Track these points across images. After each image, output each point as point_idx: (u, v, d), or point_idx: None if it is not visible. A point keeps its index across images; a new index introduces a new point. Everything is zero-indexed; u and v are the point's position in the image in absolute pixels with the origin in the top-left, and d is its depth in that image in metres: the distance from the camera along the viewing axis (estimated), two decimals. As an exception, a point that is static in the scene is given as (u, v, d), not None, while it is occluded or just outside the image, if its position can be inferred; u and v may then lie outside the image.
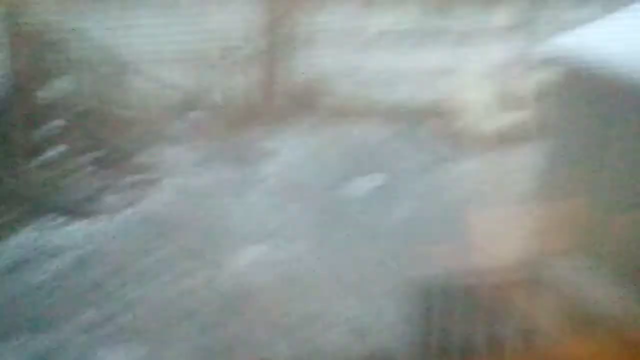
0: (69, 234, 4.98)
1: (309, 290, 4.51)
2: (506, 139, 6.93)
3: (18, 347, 4.00)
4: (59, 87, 5.69)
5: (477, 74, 7.29)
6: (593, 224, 3.06)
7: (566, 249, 2.99)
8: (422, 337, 3.25)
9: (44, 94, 5.47)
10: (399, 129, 7.16)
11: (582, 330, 2.40)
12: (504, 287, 2.72)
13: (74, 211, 5.18)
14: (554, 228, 3.24)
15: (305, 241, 5.04)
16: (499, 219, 4.30)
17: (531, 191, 4.31)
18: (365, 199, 5.79)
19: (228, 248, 4.91)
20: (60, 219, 5.10)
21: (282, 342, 4.05)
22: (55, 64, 5.78)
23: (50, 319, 4.17)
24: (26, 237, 4.97)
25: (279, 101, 7.07)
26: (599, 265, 2.78)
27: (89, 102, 5.88)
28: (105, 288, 4.48)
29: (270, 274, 4.66)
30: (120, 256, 4.79)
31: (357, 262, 4.79)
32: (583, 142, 3.51)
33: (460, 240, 3.91)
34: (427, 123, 7.30)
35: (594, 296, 2.48)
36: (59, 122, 5.57)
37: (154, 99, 6.18)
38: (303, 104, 7.12)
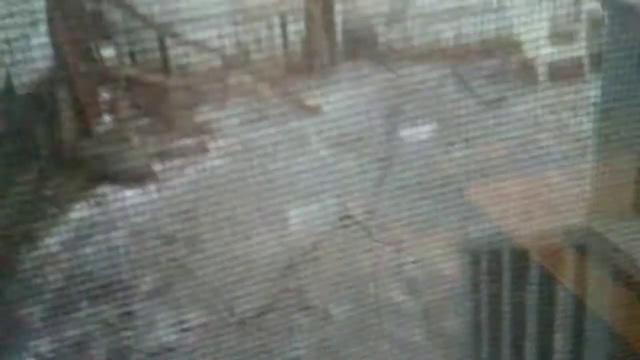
0: (123, 204, 5.11)
1: (361, 246, 4.53)
2: (558, 77, 6.65)
3: (80, 318, 4.19)
4: (102, 56, 5.73)
5: (527, 9, 6.92)
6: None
7: (621, 210, 2.84)
8: (471, 297, 3.24)
9: (86, 67, 5.52)
10: (449, 72, 6.93)
11: (633, 298, 2.31)
12: (556, 250, 2.64)
13: (126, 180, 5.29)
14: (608, 186, 3.08)
15: (357, 196, 5.03)
16: (548, 175, 4.15)
17: (585, 138, 4.11)
18: (418, 149, 5.69)
19: (280, 207, 4.94)
20: (113, 189, 5.23)
21: (337, 299, 4.12)
22: (97, 34, 5.80)
23: (109, 289, 4.32)
24: (81, 209, 5.11)
25: (324, 54, 6.93)
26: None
27: (133, 70, 5.91)
28: (163, 255, 4.63)
29: (323, 231, 4.69)
30: (174, 222, 4.89)
31: (410, 217, 4.76)
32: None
33: (511, 196, 3.81)
34: (478, 64, 7.04)
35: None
36: (104, 92, 5.64)
37: (197, 62, 6.16)
38: (349, 54, 6.95)
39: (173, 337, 4.04)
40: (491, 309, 3.00)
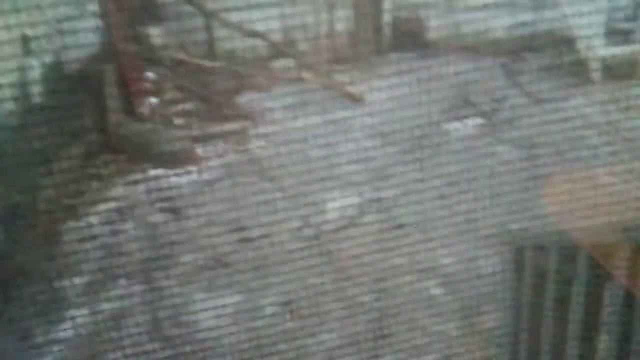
0: (165, 184, 5.16)
1: (401, 238, 4.47)
2: (612, 76, 6.43)
3: (116, 296, 4.26)
4: (150, 39, 5.80)
5: (582, 5, 6.71)
6: None
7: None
8: (512, 293, 3.15)
9: (134, 48, 5.60)
10: (498, 66, 6.79)
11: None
12: (606, 248, 2.53)
13: (169, 162, 5.35)
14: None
15: (398, 188, 4.97)
16: (604, 170, 4.01)
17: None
18: (462, 144, 5.58)
19: (319, 197, 4.92)
20: (156, 170, 5.29)
21: (371, 290, 4.08)
22: (147, 16, 5.88)
23: (146, 268, 4.40)
24: (122, 189, 5.19)
25: (371, 43, 6.86)
26: None
27: (178, 54, 5.96)
28: (201, 237, 4.66)
29: (362, 222, 4.65)
30: (214, 205, 4.92)
31: (450, 210, 4.67)
32: None
33: (560, 192, 3.69)
34: (530, 59, 6.86)
35: None
36: (150, 75, 5.71)
37: (243, 48, 6.18)
38: (396, 44, 6.87)
39: (209, 320, 4.06)
40: (535, 303, 2.90)
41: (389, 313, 3.92)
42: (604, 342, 2.56)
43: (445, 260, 4.23)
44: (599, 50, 6.76)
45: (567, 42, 6.87)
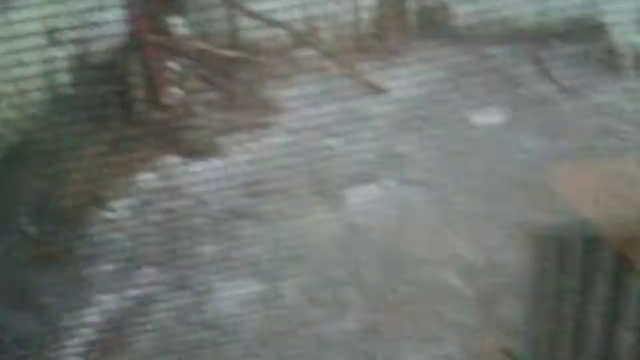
0: (187, 175, 5.22)
1: (420, 229, 4.45)
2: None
3: (146, 278, 4.34)
4: (171, 30, 5.84)
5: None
6: None
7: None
8: (534, 284, 3.12)
9: (158, 39, 5.65)
10: (525, 54, 6.65)
11: None
12: (631, 240, 2.48)
13: (193, 151, 5.40)
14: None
15: (419, 179, 4.93)
16: (633, 161, 3.91)
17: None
18: (486, 134, 5.50)
19: (339, 188, 4.92)
20: (180, 159, 5.35)
21: (391, 282, 4.07)
22: (171, 6, 5.92)
23: (169, 256, 4.46)
24: (147, 178, 5.24)
25: (395, 33, 6.78)
26: None
27: (201, 44, 5.99)
28: (223, 227, 4.71)
29: (380, 214, 4.63)
30: (236, 196, 4.96)
31: (472, 203, 4.63)
32: None
33: (587, 184, 3.62)
34: (556, 47, 6.71)
35: None
36: (176, 66, 5.75)
37: (265, 39, 6.19)
38: (418, 31, 6.78)
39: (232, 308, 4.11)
40: (557, 296, 2.86)
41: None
42: (626, 336, 2.52)
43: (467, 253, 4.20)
44: (632, 37, 6.58)
45: (598, 30, 6.69)
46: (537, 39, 6.78)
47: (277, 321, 3.94)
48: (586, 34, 6.71)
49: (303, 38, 6.20)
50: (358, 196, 4.86)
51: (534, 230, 3.23)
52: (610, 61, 6.48)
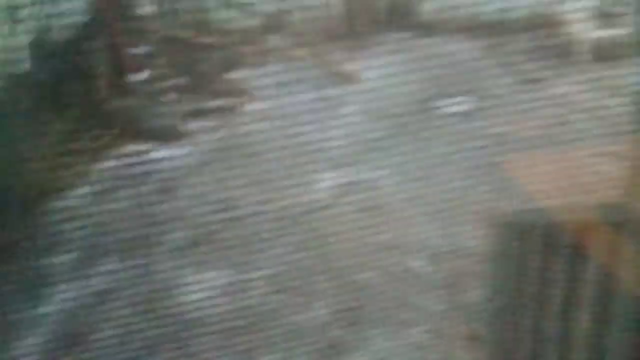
0: (154, 161, 5.12)
1: (387, 216, 4.49)
2: (600, 59, 6.47)
3: (105, 272, 4.25)
4: (140, 14, 5.71)
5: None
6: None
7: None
8: (497, 268, 3.20)
9: (124, 23, 5.51)
10: (488, 47, 6.77)
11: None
12: (586, 227, 2.57)
13: (158, 137, 5.31)
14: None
15: (387, 166, 4.98)
16: (587, 151, 4.04)
17: (623, 120, 4.01)
18: (451, 122, 5.60)
19: (308, 174, 4.92)
20: (145, 146, 5.25)
21: (361, 267, 4.10)
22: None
23: (135, 244, 4.36)
24: (113, 164, 5.14)
25: (362, 22, 6.80)
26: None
27: (170, 28, 5.88)
28: (191, 213, 4.65)
29: (349, 200, 4.65)
30: (204, 182, 4.89)
31: (438, 189, 4.70)
32: None
33: (545, 172, 3.74)
34: (518, 40, 6.86)
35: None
36: (141, 49, 5.63)
37: (234, 23, 6.10)
38: (387, 23, 6.82)
39: (196, 294, 4.06)
40: (518, 280, 2.94)
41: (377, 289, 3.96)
42: (583, 317, 2.60)
43: (434, 238, 4.26)
44: (588, 32, 6.78)
45: (557, 24, 6.87)
46: (501, 32, 6.91)
47: (245, 311, 3.91)
48: (546, 28, 6.88)
49: (274, 25, 6.16)
50: (328, 182, 4.87)
51: (496, 216, 3.30)
52: (568, 54, 6.68)
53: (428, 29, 6.75)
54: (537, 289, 2.84)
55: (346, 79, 6.01)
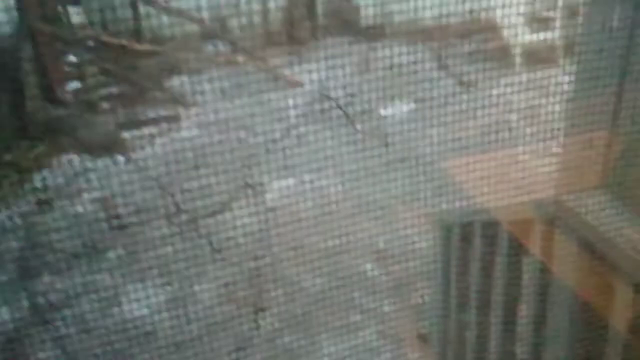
0: (90, 172, 4.99)
1: (334, 220, 4.50)
2: (534, 61, 6.72)
3: (44, 287, 4.10)
4: (71, 21, 5.54)
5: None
6: (618, 157, 2.96)
7: (589, 184, 2.91)
8: (442, 268, 3.27)
9: (54, 29, 5.33)
10: (427, 51, 6.92)
11: (598, 269, 2.35)
12: (522, 224, 2.66)
13: (94, 148, 5.16)
14: (577, 162, 3.14)
15: (333, 171, 4.99)
16: (522, 151, 4.17)
17: (556, 120, 4.18)
18: (392, 126, 5.68)
19: (254, 183, 4.89)
20: (79, 158, 5.10)
21: (310, 273, 4.09)
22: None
23: (73, 259, 4.24)
24: (46, 177, 4.97)
25: (304, 28, 6.83)
26: (623, 202, 2.70)
27: (103, 35, 5.73)
28: (130, 226, 4.54)
29: (296, 206, 4.64)
30: (142, 193, 4.79)
31: (383, 191, 4.75)
32: (609, 67, 3.33)
33: (483, 172, 3.84)
34: (455, 45, 7.05)
35: (614, 234, 2.42)
36: (74, 58, 5.47)
37: (171, 30, 6.01)
38: (328, 28, 6.87)
39: (139, 309, 3.96)
40: (461, 279, 3.01)
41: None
42: (524, 311, 2.68)
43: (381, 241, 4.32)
44: (523, 36, 7.03)
45: (494, 29, 7.09)
46: (439, 37, 7.08)
47: (191, 323, 3.84)
48: (483, 33, 7.10)
49: (213, 31, 6.10)
50: (273, 189, 4.85)
51: (440, 217, 3.37)
52: (504, 57, 6.91)
53: (368, 34, 6.84)
54: (480, 286, 2.92)
55: (287, 83, 6.01)
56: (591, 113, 3.47)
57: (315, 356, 3.61)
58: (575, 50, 4.00)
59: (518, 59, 7.00)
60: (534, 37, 7.08)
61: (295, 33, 6.67)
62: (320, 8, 6.92)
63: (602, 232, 2.52)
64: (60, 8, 5.44)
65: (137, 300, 3.94)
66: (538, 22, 7.22)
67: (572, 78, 3.97)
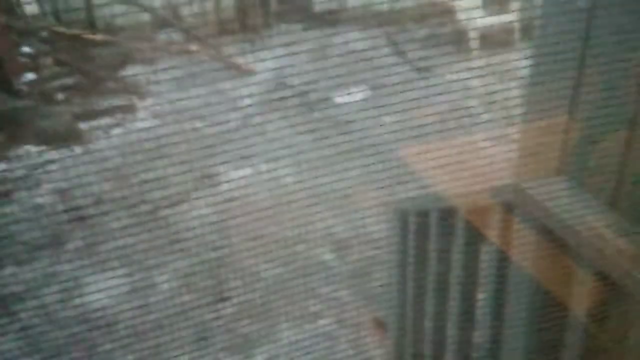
0: (48, 164, 4.90)
1: (292, 210, 4.53)
2: (491, 45, 6.80)
3: (6, 279, 4.05)
4: (23, 13, 5.39)
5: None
6: (575, 144, 3.01)
7: (548, 171, 2.97)
8: (400, 256, 3.31)
9: (8, 20, 5.18)
10: (383, 37, 6.94)
11: (558, 257, 2.43)
12: (479, 211, 2.71)
13: (50, 139, 5.07)
14: (536, 148, 3.21)
15: (289, 160, 5.01)
16: (479, 137, 4.24)
17: (514, 106, 4.27)
18: (346, 113, 5.71)
19: (211, 174, 4.88)
20: (36, 149, 5.00)
21: (269, 263, 4.12)
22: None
23: (33, 252, 4.18)
24: (4, 169, 4.87)
25: (254, 14, 6.78)
26: (583, 188, 2.75)
27: (56, 26, 5.60)
28: (88, 217, 4.49)
29: (253, 195, 4.65)
30: (101, 184, 4.74)
31: (339, 179, 4.79)
32: (568, 50, 3.36)
33: (440, 159, 3.90)
34: (410, 30, 7.09)
35: (571, 220, 2.47)
36: (27, 49, 5.33)
37: (125, 19, 5.90)
38: (280, 15, 6.84)
39: (100, 299, 3.94)
40: (419, 266, 3.06)
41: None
42: (482, 299, 2.75)
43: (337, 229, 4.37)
44: (479, 20, 7.09)
45: (449, 13, 7.14)
46: (393, 22, 7.11)
47: (151, 312, 3.84)
48: (438, 17, 7.15)
49: (165, 20, 6.00)
50: (229, 179, 4.84)
51: (395, 204, 3.40)
52: (459, 41, 6.98)
53: (321, 20, 6.83)
54: (437, 273, 2.97)
55: (240, 71, 5.98)
56: (550, 98, 3.53)
57: (276, 345, 3.66)
58: (533, 33, 4.08)
59: (475, 43, 7.08)
60: (491, 20, 7.15)
61: (249, 20, 6.62)
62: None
63: (562, 219, 2.59)
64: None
65: (99, 290, 3.91)
66: (495, 4, 7.29)
67: (531, 62, 4.06)
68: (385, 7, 7.16)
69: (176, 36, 6.07)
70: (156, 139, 5.08)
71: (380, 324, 3.56)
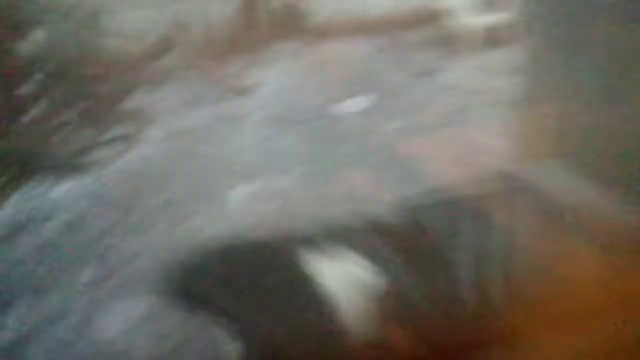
0: (60, 194, 4.93)
1: (301, 223, 4.51)
2: (488, 44, 6.80)
3: (21, 313, 4.05)
4: (34, 39, 5.47)
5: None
6: (572, 129, 3.04)
7: (545, 155, 2.99)
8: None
9: (19, 48, 5.25)
10: (381, 44, 6.96)
11: (557, 236, 2.41)
12: (486, 197, 2.73)
13: (63, 170, 5.11)
14: (533, 134, 3.23)
15: (297, 173, 5.00)
16: (481, 131, 4.25)
17: (514, 97, 4.27)
18: (352, 122, 5.72)
19: (220, 190, 4.88)
20: (50, 180, 5.03)
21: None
22: (29, 14, 5.53)
23: (50, 282, 4.20)
24: (17, 202, 4.92)
25: (258, 29, 6.84)
26: (578, 171, 2.78)
27: (66, 53, 5.68)
28: (103, 244, 4.49)
29: (264, 210, 4.64)
30: (115, 210, 4.76)
31: (349, 189, 4.78)
32: (565, 44, 3.43)
33: (445, 154, 3.90)
34: (409, 35, 7.12)
35: (571, 202, 2.48)
36: (37, 77, 5.39)
37: (131, 44, 5.98)
38: (283, 29, 6.89)
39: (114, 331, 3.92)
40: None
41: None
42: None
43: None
44: (476, 20, 7.11)
45: (446, 16, 7.17)
46: (392, 29, 7.13)
47: (167, 338, 3.82)
48: (435, 21, 7.17)
49: (164, 47, 6.09)
50: (237, 198, 4.84)
51: (405, 202, 3.39)
52: (458, 43, 6.99)
53: (321, 33, 6.87)
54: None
55: (244, 91, 6.03)
56: (543, 87, 3.57)
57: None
58: (525, 28, 4.10)
59: (473, 43, 7.09)
60: (487, 19, 7.17)
61: (246, 41, 6.69)
62: (269, 11, 6.93)
63: (561, 200, 2.59)
64: (11, 46, 5.38)
65: (115, 318, 3.90)
66: (490, 4, 7.32)
67: (524, 54, 4.07)
68: (383, 15, 7.21)
69: (176, 61, 6.14)
70: (162, 164, 5.12)
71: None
